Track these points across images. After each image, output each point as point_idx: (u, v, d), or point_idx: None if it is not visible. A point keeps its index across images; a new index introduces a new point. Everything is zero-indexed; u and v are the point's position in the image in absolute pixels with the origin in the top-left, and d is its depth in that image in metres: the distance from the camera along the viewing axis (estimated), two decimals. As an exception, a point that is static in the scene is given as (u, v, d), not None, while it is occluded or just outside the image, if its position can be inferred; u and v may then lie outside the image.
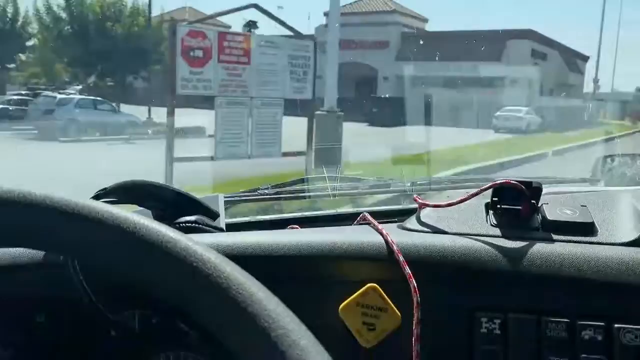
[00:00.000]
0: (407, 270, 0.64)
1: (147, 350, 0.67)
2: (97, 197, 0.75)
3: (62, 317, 0.66)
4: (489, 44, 23.05)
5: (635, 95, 32.04)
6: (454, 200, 0.75)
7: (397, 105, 17.19)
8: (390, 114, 15.79)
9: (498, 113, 19.45)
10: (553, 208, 0.73)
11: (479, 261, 0.66)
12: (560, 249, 0.67)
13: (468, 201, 0.75)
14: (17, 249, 0.65)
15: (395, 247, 0.66)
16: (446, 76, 24.65)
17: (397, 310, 0.64)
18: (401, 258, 0.65)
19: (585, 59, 32.16)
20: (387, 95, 23.21)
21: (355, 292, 0.63)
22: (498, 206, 0.73)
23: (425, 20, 29.97)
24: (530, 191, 0.72)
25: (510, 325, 0.63)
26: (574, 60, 30.10)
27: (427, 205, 0.77)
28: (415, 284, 0.64)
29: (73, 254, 0.52)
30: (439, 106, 25.19)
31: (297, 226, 0.84)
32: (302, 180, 1.30)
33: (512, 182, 0.72)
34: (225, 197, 0.95)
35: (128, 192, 0.77)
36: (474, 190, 0.74)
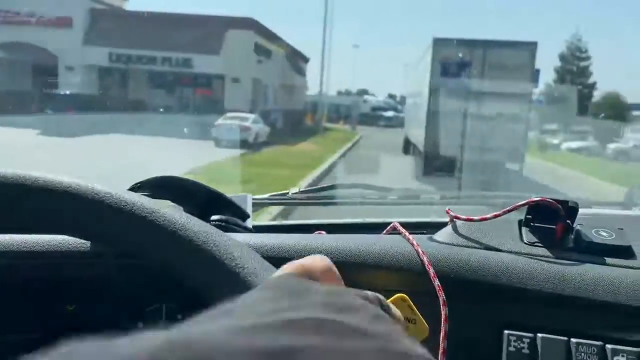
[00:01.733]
0: (437, 282, 0.64)
1: None
2: (131, 190, 0.77)
3: (93, 307, 0.68)
4: (206, 33, 18.39)
5: (353, 101, 32.64)
6: (488, 215, 0.73)
7: (83, 105, 14.26)
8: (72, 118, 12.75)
9: (219, 121, 15.06)
10: (588, 229, 0.72)
11: (510, 278, 0.65)
12: (595, 271, 0.66)
13: (501, 217, 0.73)
14: (55, 236, 0.66)
15: (425, 259, 0.66)
16: (152, 70, 19.03)
17: (425, 322, 0.62)
18: (431, 270, 0.65)
19: (306, 60, 30.94)
20: (68, 92, 16.79)
21: None
22: (532, 224, 0.73)
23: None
24: (566, 210, 0.70)
25: (540, 345, 0.62)
26: (297, 60, 28.16)
27: (459, 219, 0.75)
28: (445, 297, 0.63)
29: (112, 244, 0.54)
30: (145, 108, 19.37)
31: (324, 232, 0.84)
32: (331, 187, 1.28)
33: (548, 200, 0.71)
34: (253, 199, 0.97)
35: (161, 188, 0.79)
36: (509, 207, 0.72)
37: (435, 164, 10.29)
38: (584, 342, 0.61)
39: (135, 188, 0.78)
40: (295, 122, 24.90)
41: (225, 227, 0.76)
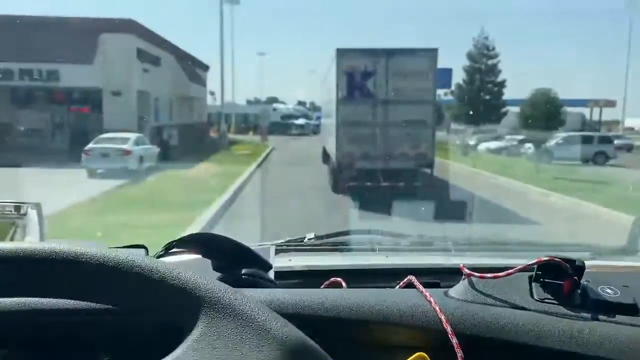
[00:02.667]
0: (455, 340, 0.67)
1: None
2: (167, 247, 0.92)
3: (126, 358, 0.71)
4: (74, 38, 15.56)
5: (262, 109, 30.39)
6: (501, 274, 0.77)
7: None
8: None
9: (90, 145, 12.64)
10: (595, 286, 0.75)
11: (523, 336, 0.68)
12: (602, 329, 0.68)
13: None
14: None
15: (443, 317, 0.69)
16: (8, 86, 16.11)
17: None
18: (449, 328, 0.68)
19: (205, 67, 28.51)
20: None
21: (403, 358, 0.65)
22: (541, 279, 0.76)
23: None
24: (573, 269, 0.74)
25: None
26: (193, 68, 25.60)
27: (474, 276, 0.79)
28: (462, 355, 0.66)
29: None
30: (8, 132, 16.34)
31: (340, 279, 0.88)
32: (346, 233, 1.39)
33: (556, 260, 0.74)
34: (276, 247, 1.12)
35: (194, 244, 0.88)
36: (521, 265, 0.76)
37: (349, 175, 10.44)
38: None
39: (172, 245, 0.90)
40: (196, 138, 22.60)
41: (253, 281, 0.82)
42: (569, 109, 39.09)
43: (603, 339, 0.67)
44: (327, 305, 0.71)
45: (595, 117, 40.48)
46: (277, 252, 1.09)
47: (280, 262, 1.01)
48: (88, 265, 0.51)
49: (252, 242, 1.03)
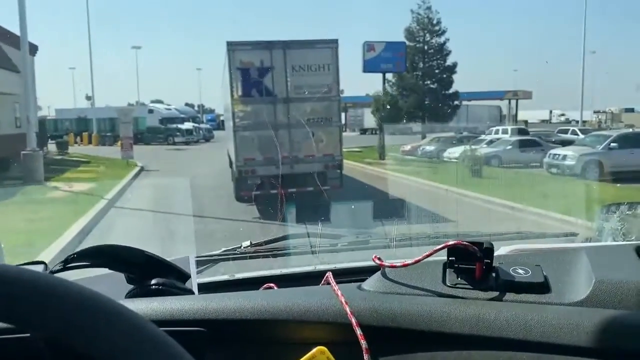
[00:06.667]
0: (359, 332, 0.69)
1: None
2: (66, 261, 0.83)
3: None
4: None
5: (121, 110, 20.54)
6: (409, 261, 0.79)
7: None
8: None
9: None
10: (507, 267, 0.77)
11: (430, 323, 0.70)
12: (509, 310, 0.70)
13: (429, 260, 0.79)
14: None
15: (348, 310, 0.71)
16: None
17: None
18: (354, 320, 0.70)
19: (34, 50, 20.20)
20: None
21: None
22: (455, 265, 0.77)
23: None
24: (482, 252, 0.75)
25: None
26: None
27: (384, 266, 0.81)
28: (367, 345, 0.67)
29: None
30: None
31: (273, 285, 0.91)
32: (283, 238, 1.37)
33: (463, 243, 0.75)
34: (197, 258, 1.05)
35: (99, 257, 0.84)
36: (429, 252, 0.78)
37: (252, 182, 9.74)
38: None
39: (71, 259, 0.83)
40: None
41: (163, 290, 0.81)
42: (486, 102, 36.58)
43: (509, 320, 0.68)
44: (233, 310, 0.72)
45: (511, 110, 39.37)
46: (208, 262, 1.17)
47: (211, 272, 1.10)
48: None
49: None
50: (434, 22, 28.11)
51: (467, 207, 9.31)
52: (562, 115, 56.00)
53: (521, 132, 23.41)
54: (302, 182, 9.68)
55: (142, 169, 15.77)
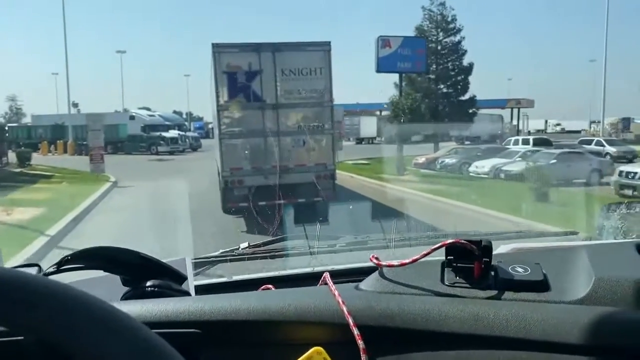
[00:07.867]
0: (356, 332, 0.68)
1: None
2: (60, 263, 0.82)
3: None
4: None
5: (90, 116, 18.99)
6: (407, 260, 0.77)
7: None
8: None
9: None
10: (506, 266, 0.76)
11: (427, 323, 0.69)
12: (508, 309, 0.69)
13: (427, 258, 0.77)
14: None
15: (345, 310, 0.70)
16: None
17: None
18: (351, 320, 0.69)
19: None
20: None
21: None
22: (454, 264, 0.77)
23: None
24: (480, 250, 0.74)
25: None
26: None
27: (382, 266, 0.80)
28: (364, 345, 0.67)
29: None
30: None
31: (271, 286, 0.90)
32: (281, 239, 1.38)
33: (461, 241, 0.75)
34: (194, 260, 1.07)
35: (93, 259, 0.83)
36: (426, 251, 0.77)
37: (239, 193, 9.26)
38: None
39: (65, 261, 0.82)
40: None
41: (159, 292, 0.81)
42: (487, 111, 33.16)
43: (509, 318, 0.67)
44: (227, 309, 0.72)
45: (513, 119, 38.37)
46: (205, 264, 1.17)
47: (209, 274, 1.10)
48: None
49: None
50: (448, 19, 25.62)
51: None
52: (558, 125, 56.11)
53: (544, 142, 22.35)
54: (293, 193, 9.11)
55: (114, 185, 13.36)
